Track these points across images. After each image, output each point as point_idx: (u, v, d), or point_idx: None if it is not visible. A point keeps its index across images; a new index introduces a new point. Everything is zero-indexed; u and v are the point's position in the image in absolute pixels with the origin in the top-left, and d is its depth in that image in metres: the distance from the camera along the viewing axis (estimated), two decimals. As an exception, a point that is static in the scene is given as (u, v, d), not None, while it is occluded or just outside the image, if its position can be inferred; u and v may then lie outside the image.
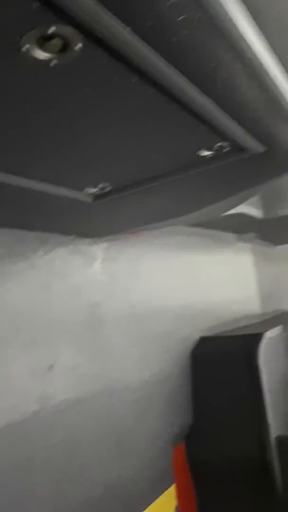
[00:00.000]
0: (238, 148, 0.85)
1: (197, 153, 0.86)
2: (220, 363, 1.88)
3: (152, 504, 1.65)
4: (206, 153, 0.87)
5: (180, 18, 0.47)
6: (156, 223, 1.50)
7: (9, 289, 1.29)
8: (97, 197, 1.05)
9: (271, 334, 1.82)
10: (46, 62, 0.51)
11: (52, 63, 0.51)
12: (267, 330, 1.81)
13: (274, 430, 1.67)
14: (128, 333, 1.68)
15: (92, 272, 1.60)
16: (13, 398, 1.23)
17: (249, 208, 1.95)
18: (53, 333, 1.38)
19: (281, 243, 3.32)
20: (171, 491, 1.74)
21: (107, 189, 1.01)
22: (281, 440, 1.65)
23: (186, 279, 2.13)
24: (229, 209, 1.67)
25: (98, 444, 1.45)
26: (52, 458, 1.29)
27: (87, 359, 1.48)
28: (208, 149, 0.85)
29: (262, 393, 1.67)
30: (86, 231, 1.52)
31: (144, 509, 1.61)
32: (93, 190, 1.00)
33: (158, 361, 1.79)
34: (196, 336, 2.04)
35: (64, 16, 0.45)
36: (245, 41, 0.54)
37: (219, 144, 0.83)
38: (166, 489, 1.73)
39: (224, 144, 0.83)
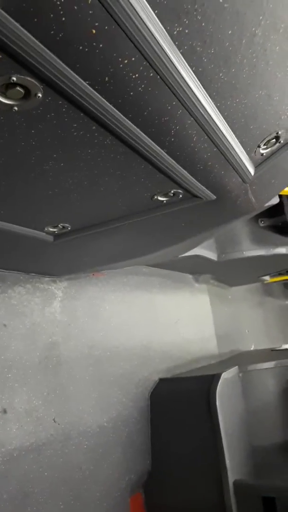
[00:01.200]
0: (192, 195, 0.92)
1: (153, 198, 0.91)
2: (179, 404, 1.87)
3: None
4: (161, 198, 0.92)
5: (134, 76, 0.54)
6: (116, 263, 1.53)
7: None
8: (57, 236, 1.07)
9: (227, 375, 1.84)
10: (9, 107, 0.55)
11: (14, 109, 0.55)
12: (223, 370, 1.84)
13: (232, 474, 1.65)
14: (86, 375, 1.65)
15: (51, 311, 1.59)
16: None
17: (205, 251, 2.04)
18: (8, 374, 1.34)
19: (235, 285, 3.45)
20: None
21: (67, 229, 1.04)
22: (238, 485, 1.64)
23: (145, 319, 2.15)
24: (186, 251, 1.75)
25: (51, 496, 1.37)
26: (1, 512, 1.20)
27: (42, 402, 1.43)
28: (164, 195, 0.90)
29: (220, 435, 1.67)
30: (46, 269, 1.52)
31: None
32: (53, 230, 1.03)
33: (116, 404, 1.75)
34: (155, 377, 2.03)
35: (25, 67, 0.50)
36: (194, 99, 0.60)
37: (173, 190, 0.89)
38: None
39: (179, 191, 0.89)
